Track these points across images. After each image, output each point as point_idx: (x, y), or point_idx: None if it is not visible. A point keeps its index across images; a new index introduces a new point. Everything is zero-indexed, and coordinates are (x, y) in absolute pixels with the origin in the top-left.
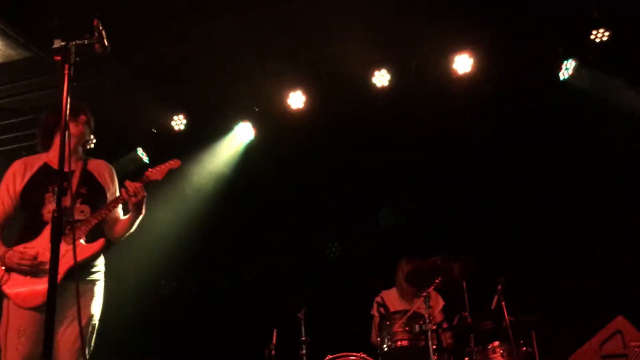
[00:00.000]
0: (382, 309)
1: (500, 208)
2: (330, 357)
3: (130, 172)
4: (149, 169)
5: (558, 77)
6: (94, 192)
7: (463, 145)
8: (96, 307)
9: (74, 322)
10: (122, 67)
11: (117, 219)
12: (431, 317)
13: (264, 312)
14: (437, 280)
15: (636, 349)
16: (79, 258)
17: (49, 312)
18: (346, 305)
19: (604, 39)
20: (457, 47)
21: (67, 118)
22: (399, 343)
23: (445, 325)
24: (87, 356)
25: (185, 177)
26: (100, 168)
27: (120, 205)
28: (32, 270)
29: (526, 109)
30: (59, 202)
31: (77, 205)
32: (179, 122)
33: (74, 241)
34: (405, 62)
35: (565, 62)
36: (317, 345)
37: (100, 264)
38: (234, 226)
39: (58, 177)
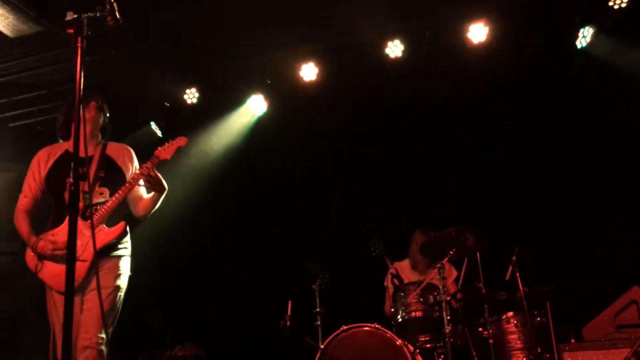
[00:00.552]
0: (396, 281)
1: (515, 178)
2: (345, 327)
3: (144, 146)
4: (158, 148)
5: (575, 45)
6: (113, 175)
7: (478, 115)
8: (122, 281)
9: (102, 290)
10: (134, 41)
11: (140, 198)
12: (445, 288)
13: (279, 284)
14: (451, 252)
15: None
16: (103, 242)
17: (68, 287)
18: (360, 276)
19: (623, 5)
20: (472, 16)
21: (82, 94)
22: (413, 314)
23: (459, 296)
24: (114, 324)
25: (197, 150)
26: (119, 151)
27: (142, 184)
28: (61, 256)
29: (543, 79)
30: (75, 175)
31: (96, 188)
32: (191, 96)
33: (92, 225)
34: (419, 32)
35: (582, 30)
36: (332, 317)
37: (125, 241)
38: (246, 198)
39: (75, 156)
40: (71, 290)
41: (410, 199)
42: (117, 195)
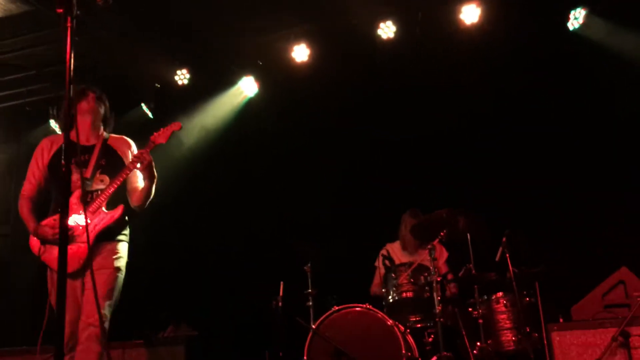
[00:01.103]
0: (387, 262)
1: (507, 162)
2: (337, 308)
3: (136, 127)
4: (154, 133)
5: (567, 27)
6: (113, 164)
7: (470, 98)
8: (121, 263)
9: (99, 272)
10: (125, 21)
11: (136, 189)
12: (436, 269)
13: (271, 265)
14: (442, 233)
15: (638, 299)
16: (103, 225)
17: (61, 266)
18: (352, 257)
19: None
20: None
21: (72, 75)
22: (404, 294)
23: (450, 277)
24: (114, 303)
25: (188, 132)
26: (120, 142)
27: (140, 176)
28: (67, 240)
29: (535, 61)
30: (67, 159)
31: (97, 175)
32: (182, 77)
33: (85, 211)
34: (411, 14)
35: (573, 12)
36: (324, 297)
37: (124, 227)
38: (238, 180)
39: (81, 150)
40: (63, 270)
41: (402, 181)
42: (116, 180)
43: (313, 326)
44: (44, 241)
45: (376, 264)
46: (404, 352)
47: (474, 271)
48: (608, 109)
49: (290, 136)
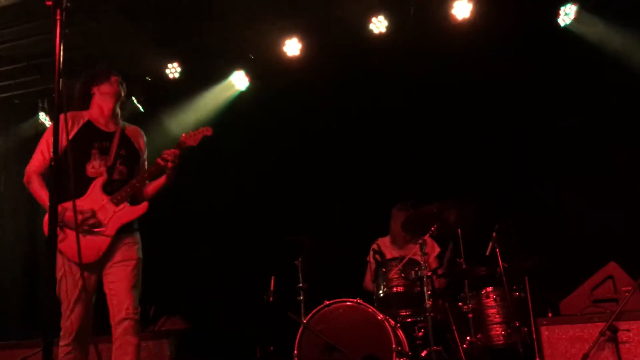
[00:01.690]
0: (377, 256)
1: (496, 155)
2: (328, 302)
3: (126, 121)
4: (184, 135)
5: (558, 23)
6: (131, 155)
7: (461, 92)
8: (141, 253)
9: (123, 264)
10: (116, 14)
11: (148, 183)
12: (426, 264)
13: (263, 259)
14: (432, 228)
15: (626, 294)
16: (127, 219)
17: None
18: (343, 252)
19: None
20: None
21: (61, 67)
22: (394, 289)
23: (440, 272)
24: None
25: (178, 125)
26: (136, 133)
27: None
28: (89, 229)
29: (527, 56)
30: (55, 151)
31: (117, 165)
32: (173, 70)
33: (74, 205)
34: (404, 8)
35: (563, 7)
36: (315, 292)
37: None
38: (227, 173)
39: (103, 136)
40: (54, 252)
41: (394, 173)
42: (143, 176)
43: (304, 320)
44: (62, 226)
45: (368, 258)
46: (394, 346)
47: (464, 266)
48: (598, 105)
49: (281, 130)
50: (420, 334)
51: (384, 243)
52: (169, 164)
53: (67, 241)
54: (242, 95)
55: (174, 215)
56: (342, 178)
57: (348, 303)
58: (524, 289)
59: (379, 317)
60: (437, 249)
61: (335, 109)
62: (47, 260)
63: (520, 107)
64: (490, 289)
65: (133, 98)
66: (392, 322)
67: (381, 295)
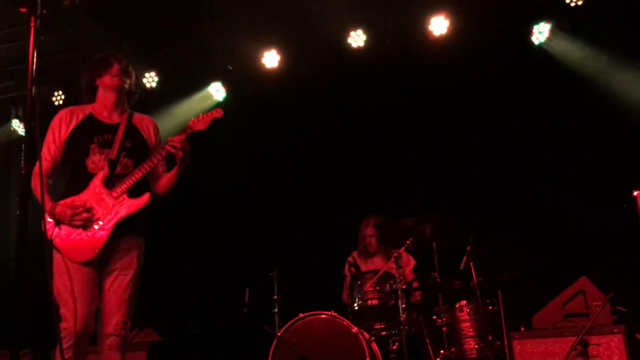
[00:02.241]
0: (353, 269)
1: (471, 170)
2: (302, 315)
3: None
4: (192, 119)
5: (531, 41)
6: (137, 146)
7: (438, 106)
8: (140, 262)
9: (122, 273)
10: (93, 22)
11: (160, 175)
12: (402, 277)
13: (237, 271)
14: (408, 241)
15: (597, 308)
16: (126, 213)
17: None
18: (318, 264)
19: (579, 2)
20: (434, 8)
21: (34, 75)
22: (369, 302)
23: (415, 285)
24: (133, 306)
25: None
26: (145, 122)
27: (163, 161)
28: (84, 224)
29: (502, 73)
30: (27, 160)
31: (121, 158)
32: (150, 80)
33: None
34: (382, 23)
35: (536, 26)
36: (289, 304)
37: (146, 217)
38: (203, 184)
39: (104, 128)
40: (23, 262)
41: (372, 186)
42: (144, 167)
43: (278, 333)
44: (58, 222)
45: (344, 272)
46: (368, 359)
47: (438, 279)
48: (569, 122)
49: (257, 142)
50: (395, 347)
51: (360, 256)
52: (180, 153)
53: (63, 237)
54: (219, 106)
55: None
56: (319, 191)
57: (323, 316)
58: (497, 302)
59: (354, 330)
60: (413, 262)
61: (312, 122)
62: (18, 269)
63: (496, 122)
64: (464, 302)
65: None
66: (367, 335)
67: (356, 308)
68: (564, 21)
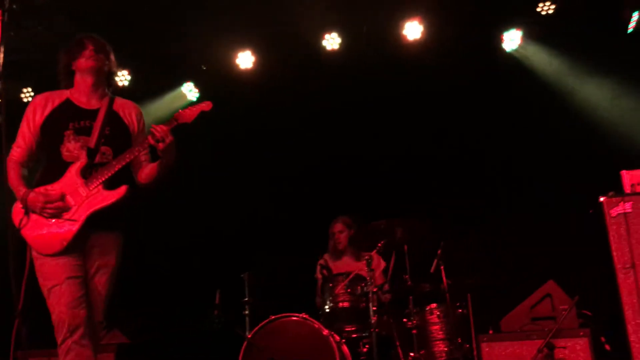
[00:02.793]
0: (324, 271)
1: (442, 174)
2: (273, 317)
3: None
4: (179, 111)
5: (502, 48)
6: (118, 133)
7: (410, 110)
8: (119, 260)
9: (101, 270)
10: (64, 20)
11: (141, 163)
12: (373, 280)
13: (208, 273)
14: (379, 244)
15: (564, 312)
16: (99, 205)
17: None
18: (290, 266)
19: (550, 11)
20: (408, 13)
21: (1, 70)
22: (340, 304)
23: (386, 287)
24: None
25: None
26: (127, 107)
27: (147, 149)
28: (56, 213)
29: (473, 80)
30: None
31: (100, 147)
32: (123, 78)
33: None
34: (357, 26)
35: (506, 33)
36: (261, 306)
37: (124, 211)
38: (174, 185)
39: (82, 114)
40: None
41: (341, 189)
42: (124, 157)
43: (248, 335)
44: (28, 210)
45: (316, 275)
46: None
47: (409, 282)
48: (537, 130)
49: (229, 143)
50: (365, 349)
51: (331, 258)
52: (160, 145)
53: (29, 227)
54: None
55: None
56: (292, 192)
57: (294, 318)
58: (466, 305)
59: (324, 333)
60: (383, 264)
61: (286, 124)
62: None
63: (468, 128)
64: (434, 305)
65: None
66: (337, 338)
67: (327, 310)
68: (535, 29)
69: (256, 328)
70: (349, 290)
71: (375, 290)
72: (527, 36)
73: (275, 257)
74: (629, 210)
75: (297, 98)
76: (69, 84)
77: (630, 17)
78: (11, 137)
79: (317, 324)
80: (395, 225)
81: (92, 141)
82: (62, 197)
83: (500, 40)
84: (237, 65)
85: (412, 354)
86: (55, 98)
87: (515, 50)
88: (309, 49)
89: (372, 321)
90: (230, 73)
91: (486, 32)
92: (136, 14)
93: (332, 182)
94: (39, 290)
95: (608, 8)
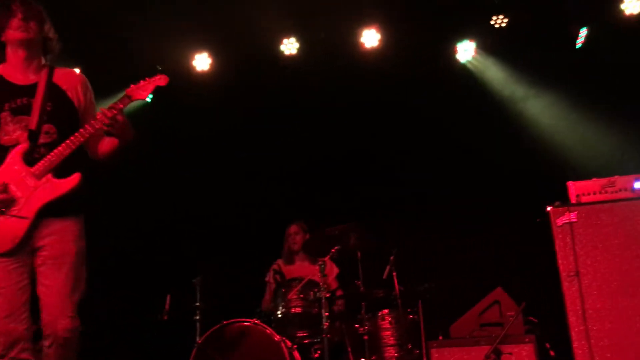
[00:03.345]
0: (277, 277)
1: (394, 181)
2: (225, 323)
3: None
4: (131, 86)
5: (456, 59)
6: (61, 108)
7: (366, 116)
8: (82, 245)
9: (56, 262)
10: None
11: (99, 138)
12: (325, 285)
13: (158, 278)
14: (333, 250)
15: (511, 318)
16: (50, 197)
17: None
18: (241, 271)
19: (503, 24)
20: (366, 21)
21: None
22: (292, 310)
23: (338, 293)
24: (79, 297)
25: None
26: (70, 78)
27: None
28: (0, 207)
29: (429, 88)
30: None
31: (42, 125)
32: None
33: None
34: (314, 32)
35: (459, 44)
36: (211, 312)
37: (81, 196)
38: (125, 187)
39: (17, 92)
40: None
41: (295, 194)
42: (72, 142)
43: (199, 341)
44: None
45: (267, 279)
46: None
47: (362, 288)
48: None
49: (184, 145)
50: (317, 355)
51: (284, 263)
52: (111, 129)
53: None
54: (146, 107)
55: None
56: (245, 197)
57: (245, 323)
58: (417, 311)
59: (276, 339)
60: (336, 270)
61: (241, 126)
62: None
63: (421, 136)
64: (386, 311)
65: None
66: (289, 344)
67: (279, 315)
68: (488, 41)
69: (207, 333)
70: (301, 295)
71: (327, 295)
72: (480, 47)
73: (227, 262)
74: (574, 220)
75: (253, 101)
76: (1, 58)
77: (579, 32)
78: None
79: (268, 330)
80: (349, 232)
81: (33, 121)
82: (5, 188)
83: (453, 51)
84: (193, 67)
85: (363, 359)
86: None
87: (469, 61)
88: (267, 53)
89: (324, 327)
90: (186, 74)
91: (442, 42)
92: (90, 12)
93: (286, 186)
94: None
95: (557, 23)
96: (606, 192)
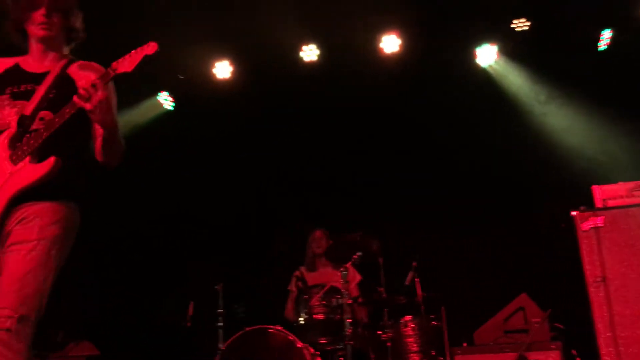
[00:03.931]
0: (300, 283)
1: (417, 186)
2: (247, 329)
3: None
4: (119, 59)
5: (477, 63)
6: (63, 97)
7: (388, 122)
8: (54, 231)
9: (16, 248)
10: None
11: (99, 138)
12: (347, 292)
13: (182, 284)
14: (355, 256)
15: (536, 325)
16: (23, 183)
17: None
18: (265, 279)
19: (525, 28)
20: (386, 27)
21: None
22: (315, 316)
23: (360, 300)
24: (43, 296)
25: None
26: (86, 68)
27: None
28: None
29: (450, 93)
30: None
31: (39, 112)
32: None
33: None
34: (334, 39)
35: (479, 49)
36: (234, 318)
37: (63, 182)
38: (146, 193)
39: (25, 77)
40: None
41: (317, 201)
42: (52, 121)
43: (222, 347)
44: None
45: (289, 287)
46: None
47: (384, 294)
48: (512, 144)
49: (206, 152)
50: None
51: (307, 271)
52: (87, 105)
53: None
54: (169, 115)
55: (85, 235)
56: (267, 205)
57: (268, 330)
58: (440, 318)
59: (299, 345)
60: (359, 277)
61: (262, 134)
62: None
63: (444, 139)
64: (408, 318)
65: None
66: (312, 350)
67: (302, 322)
68: (509, 45)
69: (230, 339)
70: (324, 302)
71: (350, 302)
72: (502, 52)
73: (250, 269)
74: (601, 225)
75: (274, 108)
76: (25, 49)
77: (600, 35)
78: None
79: (291, 336)
80: (371, 238)
81: (29, 107)
82: None
83: (473, 56)
84: (214, 75)
85: None
86: (3, 64)
87: (490, 65)
88: (287, 60)
89: (347, 333)
90: (206, 82)
91: (462, 46)
92: (111, 21)
93: (308, 193)
94: None
95: (579, 26)
96: (633, 195)
